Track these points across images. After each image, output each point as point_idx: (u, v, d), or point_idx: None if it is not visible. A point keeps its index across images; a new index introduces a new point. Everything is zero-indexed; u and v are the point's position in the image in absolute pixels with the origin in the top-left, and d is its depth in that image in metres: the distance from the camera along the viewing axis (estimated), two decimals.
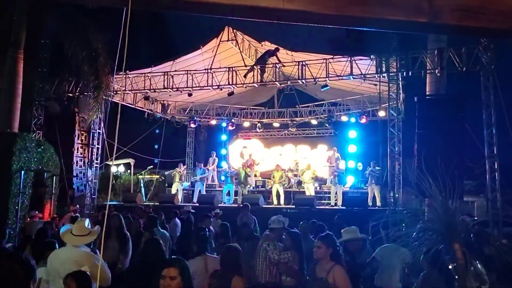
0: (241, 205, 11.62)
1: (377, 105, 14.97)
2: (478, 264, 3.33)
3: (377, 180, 13.77)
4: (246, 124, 19.49)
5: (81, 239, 4.42)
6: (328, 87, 13.46)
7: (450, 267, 2.97)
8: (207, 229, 7.29)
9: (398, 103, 12.97)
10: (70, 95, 14.64)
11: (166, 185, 17.53)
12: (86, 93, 13.78)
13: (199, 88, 14.46)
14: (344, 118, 17.17)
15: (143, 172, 17.38)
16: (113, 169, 17.12)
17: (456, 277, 2.95)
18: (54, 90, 14.53)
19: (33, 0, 11.95)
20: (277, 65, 13.87)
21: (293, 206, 13.70)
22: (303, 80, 13.45)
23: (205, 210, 10.81)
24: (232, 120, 19.06)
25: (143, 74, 14.74)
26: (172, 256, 3.29)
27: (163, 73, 14.61)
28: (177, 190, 15.74)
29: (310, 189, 14.68)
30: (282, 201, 14.68)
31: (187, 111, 19.12)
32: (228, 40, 14.96)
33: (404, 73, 12.16)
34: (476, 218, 11.54)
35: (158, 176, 17.51)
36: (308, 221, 7.45)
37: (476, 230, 5.02)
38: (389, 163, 12.28)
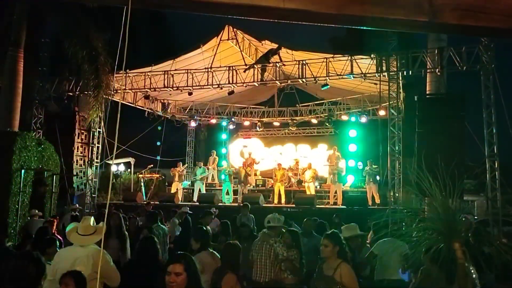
0: (241, 204, 11.62)
1: (377, 104, 14.97)
2: (470, 266, 3.33)
3: (375, 179, 13.78)
4: (246, 123, 19.50)
5: (88, 239, 4.34)
6: (328, 86, 13.46)
7: None
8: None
9: (398, 102, 12.98)
10: (70, 94, 14.65)
11: (166, 184, 17.54)
12: (86, 92, 13.77)
13: (199, 87, 14.46)
14: (344, 117, 17.18)
15: (143, 171, 17.38)
16: (113, 168, 17.13)
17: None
18: (54, 89, 14.55)
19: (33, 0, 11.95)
20: (277, 64, 13.87)
21: (293, 205, 13.70)
22: (304, 79, 13.45)
23: (205, 210, 10.79)
24: (232, 119, 19.07)
25: (143, 73, 14.75)
26: (178, 252, 3.26)
27: (163, 72, 14.61)
28: (177, 189, 15.75)
29: (310, 188, 14.68)
30: (283, 200, 14.69)
31: (187, 110, 19.12)
32: (228, 39, 14.96)
33: (405, 72, 12.16)
34: (476, 217, 11.56)
35: (158, 175, 17.52)
36: (309, 218, 7.44)
37: (476, 229, 5.04)
38: (389, 162, 12.28)
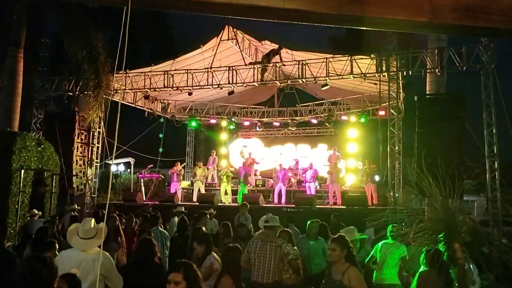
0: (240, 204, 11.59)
1: (377, 104, 14.97)
2: (472, 267, 3.33)
3: (373, 179, 13.77)
4: (246, 123, 19.49)
5: (90, 243, 4.24)
6: (328, 86, 13.45)
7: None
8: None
9: (398, 102, 12.98)
10: (70, 94, 14.63)
11: (166, 184, 17.54)
12: (86, 92, 13.77)
13: (199, 87, 14.45)
14: (344, 117, 17.18)
15: (143, 171, 17.37)
16: (113, 168, 17.14)
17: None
18: (54, 89, 14.53)
19: (33, 0, 11.95)
20: (277, 64, 13.87)
21: (293, 205, 13.70)
22: (303, 79, 13.45)
23: (204, 209, 10.76)
24: (232, 119, 19.06)
25: (143, 73, 14.74)
26: (178, 260, 3.27)
27: (163, 72, 14.61)
28: (176, 189, 15.76)
29: (311, 188, 14.68)
30: (283, 200, 14.68)
31: (187, 110, 19.11)
32: (228, 39, 14.95)
33: (404, 72, 12.15)
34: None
35: (158, 175, 17.52)
36: (313, 220, 7.32)
37: (475, 229, 5.03)
38: (389, 162, 12.27)
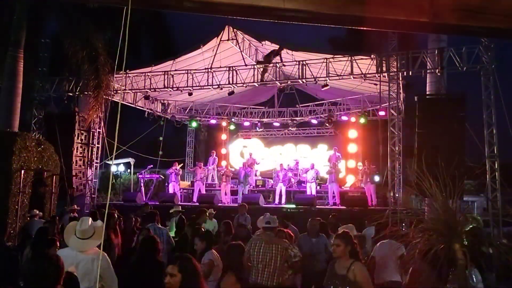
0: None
1: (378, 105, 14.96)
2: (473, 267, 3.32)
3: (373, 179, 13.77)
4: (246, 123, 19.49)
5: (87, 243, 4.17)
6: (328, 87, 13.45)
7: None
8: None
9: (399, 102, 12.98)
10: (70, 94, 14.62)
11: (166, 184, 17.54)
12: (86, 93, 13.76)
13: (199, 87, 14.46)
14: (344, 118, 17.18)
15: (143, 171, 17.38)
16: (113, 169, 17.13)
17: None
18: (54, 89, 14.53)
19: (33, 0, 11.94)
20: (277, 64, 13.87)
21: (293, 206, 13.70)
22: (304, 80, 13.45)
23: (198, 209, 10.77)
24: (232, 119, 19.06)
25: (143, 74, 14.74)
26: (176, 254, 3.30)
27: (163, 73, 14.61)
28: (174, 189, 15.77)
29: (312, 188, 14.68)
30: (283, 200, 14.68)
31: (187, 111, 19.12)
32: (228, 40, 14.95)
33: (405, 72, 12.15)
34: None
35: (158, 176, 17.52)
36: (314, 218, 7.38)
37: (475, 229, 5.02)
38: (389, 163, 12.27)
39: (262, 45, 15.16)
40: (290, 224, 8.09)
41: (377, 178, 13.88)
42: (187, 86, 14.40)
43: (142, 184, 17.05)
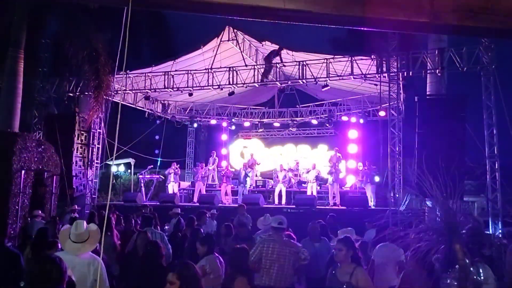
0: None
1: (378, 105, 14.95)
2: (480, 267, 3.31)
3: (372, 179, 13.76)
4: (247, 124, 19.48)
5: (82, 248, 4.09)
6: (328, 87, 13.45)
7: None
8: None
9: (399, 103, 12.97)
10: (71, 95, 14.63)
11: (166, 184, 17.53)
12: (86, 93, 13.78)
13: (200, 88, 14.46)
14: (344, 118, 17.18)
15: (143, 171, 17.37)
16: (113, 169, 17.13)
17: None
18: (54, 90, 14.53)
19: (33, 0, 11.94)
20: (277, 65, 13.87)
21: (294, 206, 13.69)
22: (304, 80, 13.45)
23: (204, 210, 10.77)
24: (233, 120, 19.06)
25: (144, 74, 14.74)
26: (176, 261, 3.32)
27: (163, 73, 14.61)
28: (173, 189, 15.76)
29: (313, 189, 14.66)
30: (283, 201, 14.67)
31: (187, 111, 19.12)
32: (228, 40, 14.96)
33: (405, 73, 12.15)
34: None
35: (158, 176, 17.51)
36: (314, 221, 7.22)
37: (474, 230, 5.02)
38: (389, 163, 12.26)
39: (262, 45, 15.16)
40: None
41: (377, 179, 13.88)
42: (187, 87, 14.40)
43: (142, 185, 17.05)
